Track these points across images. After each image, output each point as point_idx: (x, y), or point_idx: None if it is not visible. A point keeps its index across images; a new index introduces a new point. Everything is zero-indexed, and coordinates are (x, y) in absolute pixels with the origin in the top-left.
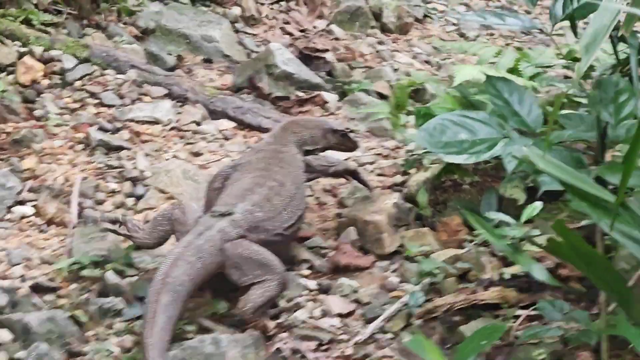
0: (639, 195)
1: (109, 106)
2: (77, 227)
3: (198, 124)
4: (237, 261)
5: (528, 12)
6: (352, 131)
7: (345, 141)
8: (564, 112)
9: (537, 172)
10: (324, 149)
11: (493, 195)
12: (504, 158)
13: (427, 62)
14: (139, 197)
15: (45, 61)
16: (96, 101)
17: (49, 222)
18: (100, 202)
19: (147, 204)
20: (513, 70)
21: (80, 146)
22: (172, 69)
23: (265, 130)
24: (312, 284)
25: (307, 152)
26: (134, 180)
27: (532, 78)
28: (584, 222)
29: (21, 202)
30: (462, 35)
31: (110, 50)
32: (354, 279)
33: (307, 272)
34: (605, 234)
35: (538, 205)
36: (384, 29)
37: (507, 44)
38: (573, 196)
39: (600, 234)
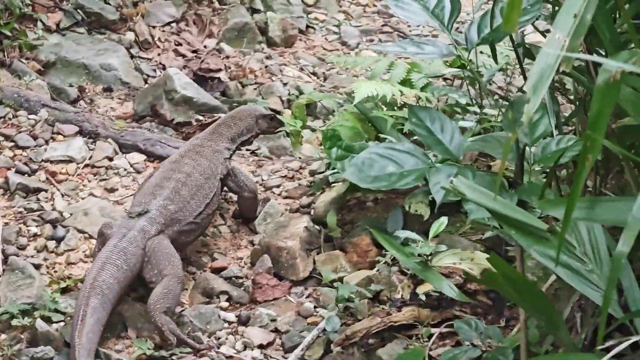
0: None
1: (24, 148)
2: (3, 276)
3: (110, 159)
4: (149, 257)
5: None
6: (278, 112)
7: (274, 124)
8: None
9: (465, 200)
10: (257, 135)
11: (399, 212)
12: (432, 189)
13: (313, 73)
14: (59, 240)
15: None
16: (11, 144)
17: None
18: (22, 247)
19: (68, 245)
20: (405, 82)
21: (0, 191)
22: (75, 101)
23: None
24: (231, 316)
25: (243, 142)
26: (54, 223)
27: (423, 89)
28: (487, 234)
29: None
30: (344, 43)
31: (20, 91)
32: (271, 308)
33: (225, 304)
34: (508, 245)
35: (444, 220)
36: (270, 43)
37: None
38: (502, 223)
39: (520, 252)
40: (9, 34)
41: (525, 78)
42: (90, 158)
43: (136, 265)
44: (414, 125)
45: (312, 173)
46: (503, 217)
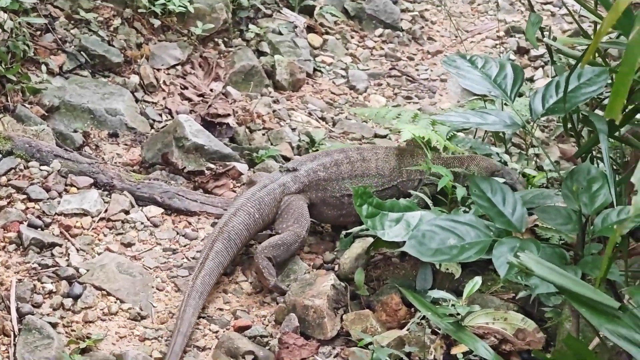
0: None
1: (37, 200)
2: (19, 336)
3: (127, 212)
4: (282, 210)
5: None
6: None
7: None
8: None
9: (528, 275)
10: None
11: (428, 270)
12: (495, 262)
13: (322, 118)
14: (76, 297)
15: None
16: (23, 196)
17: None
18: (37, 305)
19: (85, 303)
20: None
21: (12, 246)
22: (80, 147)
23: (192, 213)
24: None
25: None
26: (70, 279)
27: (448, 140)
28: (520, 294)
29: None
30: (352, 87)
31: (32, 141)
32: None
33: None
34: (541, 305)
35: (478, 280)
36: (278, 87)
37: (396, 94)
38: (571, 300)
39: (577, 325)
40: (13, 78)
41: (577, 141)
42: (105, 211)
43: (269, 216)
44: (476, 197)
45: (335, 228)
46: (572, 294)
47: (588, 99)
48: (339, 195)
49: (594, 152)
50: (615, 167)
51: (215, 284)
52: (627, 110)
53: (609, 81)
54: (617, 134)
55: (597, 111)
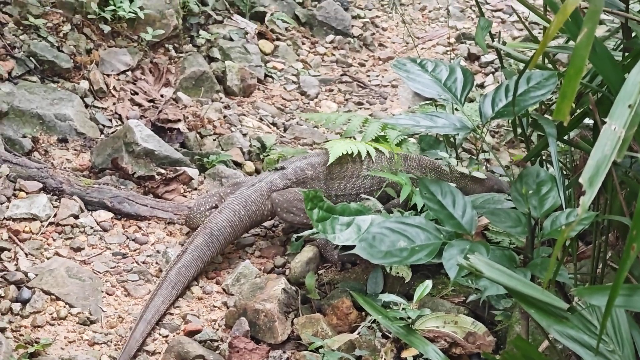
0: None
1: None
2: None
3: (76, 217)
4: (286, 206)
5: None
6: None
7: None
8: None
9: (478, 277)
10: None
11: (379, 274)
12: (445, 265)
13: (273, 124)
14: (25, 302)
15: None
16: None
17: None
18: None
19: (34, 307)
20: (378, 139)
21: None
22: (29, 152)
23: (142, 218)
24: None
25: None
26: (18, 284)
27: (399, 145)
28: (471, 297)
29: None
30: (303, 93)
31: None
32: None
33: None
34: (491, 308)
35: (429, 283)
36: (228, 92)
37: (347, 99)
38: (520, 301)
39: (526, 327)
40: None
41: (527, 145)
42: (54, 216)
43: (256, 213)
44: (426, 199)
45: (286, 231)
46: (521, 296)
47: (537, 102)
48: (326, 195)
49: (543, 156)
50: (564, 171)
51: (193, 278)
52: (576, 114)
53: (558, 85)
54: (566, 137)
55: (547, 115)
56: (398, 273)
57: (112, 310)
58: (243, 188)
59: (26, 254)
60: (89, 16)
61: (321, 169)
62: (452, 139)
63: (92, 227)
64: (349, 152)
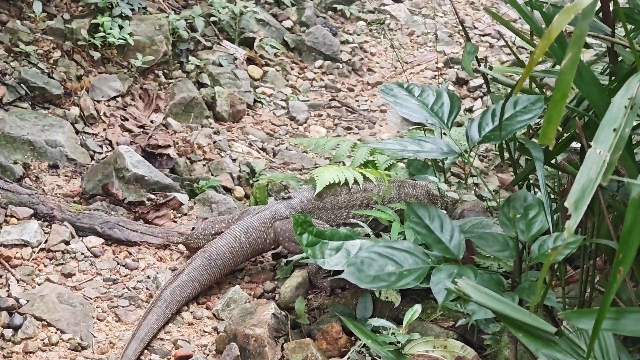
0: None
1: None
2: None
3: (67, 243)
4: (288, 235)
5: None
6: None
7: None
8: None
9: (466, 301)
10: None
11: (368, 299)
12: (433, 289)
13: (263, 149)
14: (16, 328)
15: None
16: None
17: None
18: None
19: (26, 333)
20: (367, 164)
21: None
22: (20, 178)
23: (133, 244)
24: None
25: None
26: (10, 310)
27: (387, 169)
28: (460, 322)
29: None
30: (292, 118)
31: None
32: None
33: None
34: (480, 333)
35: (418, 308)
36: (218, 118)
37: (336, 124)
38: (508, 325)
39: (514, 351)
40: None
41: (514, 169)
42: (46, 242)
43: (257, 240)
44: (413, 224)
45: (275, 256)
46: (509, 319)
47: (524, 126)
48: (335, 225)
49: (531, 180)
50: (552, 195)
51: (188, 300)
52: (563, 138)
53: (545, 109)
54: (553, 161)
55: (534, 139)
56: (387, 298)
57: (103, 336)
58: (248, 216)
59: (17, 280)
60: (79, 43)
61: (330, 198)
62: (440, 164)
63: (82, 253)
64: (337, 181)
